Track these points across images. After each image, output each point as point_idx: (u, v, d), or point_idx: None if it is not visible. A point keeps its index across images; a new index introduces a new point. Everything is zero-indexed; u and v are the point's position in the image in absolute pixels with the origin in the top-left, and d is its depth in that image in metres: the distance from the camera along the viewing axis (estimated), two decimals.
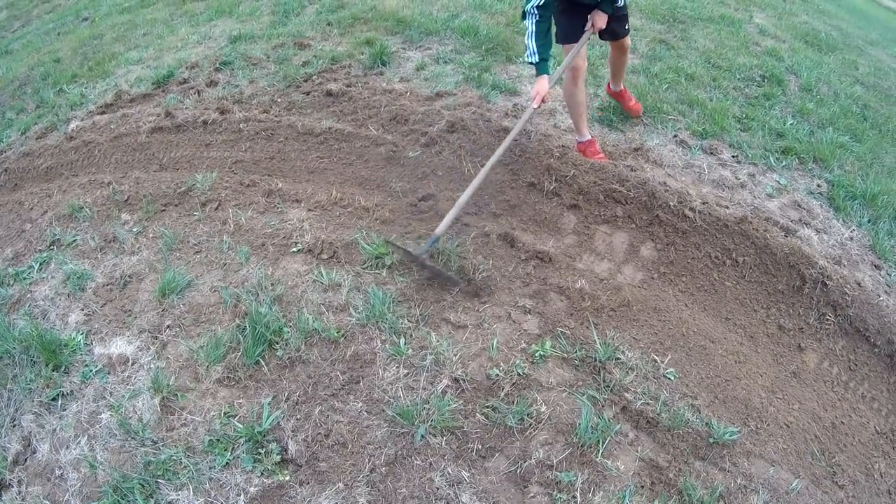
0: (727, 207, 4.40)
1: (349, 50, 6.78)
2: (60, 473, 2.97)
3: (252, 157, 5.19)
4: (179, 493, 2.77)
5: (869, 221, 4.70)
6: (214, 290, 3.74)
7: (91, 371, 3.37)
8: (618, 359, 3.37)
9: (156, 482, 2.81)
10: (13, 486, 3.00)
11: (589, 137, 4.87)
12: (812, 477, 3.13)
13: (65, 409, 3.22)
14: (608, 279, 3.97)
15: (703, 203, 4.30)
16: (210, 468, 2.84)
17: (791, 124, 5.74)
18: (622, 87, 5.37)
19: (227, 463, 2.85)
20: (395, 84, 6.06)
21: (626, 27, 4.65)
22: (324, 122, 5.42)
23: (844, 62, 7.83)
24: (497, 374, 3.19)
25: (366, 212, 4.39)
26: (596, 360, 3.34)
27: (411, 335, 3.40)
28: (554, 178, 4.51)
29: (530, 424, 2.99)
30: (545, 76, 4.14)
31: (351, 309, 3.54)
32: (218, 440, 2.93)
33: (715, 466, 3.01)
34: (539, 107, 4.17)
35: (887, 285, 4.17)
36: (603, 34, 4.51)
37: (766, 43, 7.68)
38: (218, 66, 6.84)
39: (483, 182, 3.98)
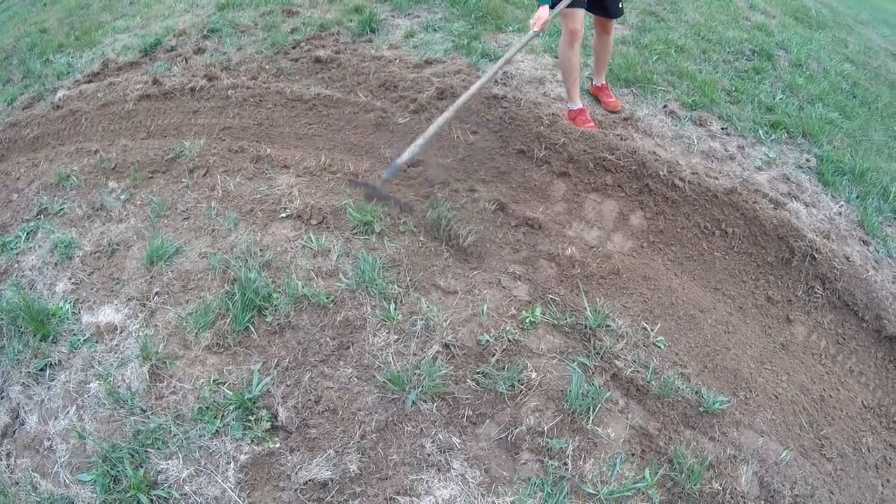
0: (717, 178, 4.40)
1: (338, 17, 6.73)
2: (49, 445, 2.95)
3: (240, 123, 5.14)
4: (169, 462, 2.76)
5: (857, 197, 4.72)
6: (203, 257, 3.70)
7: (79, 340, 3.35)
8: (608, 326, 3.37)
9: (145, 451, 2.79)
10: (1, 460, 2.98)
11: (580, 105, 4.85)
12: (801, 449, 3.15)
13: (53, 380, 3.20)
14: (598, 247, 3.97)
15: (693, 173, 4.29)
16: (200, 436, 2.82)
17: (780, 99, 5.75)
18: (603, 81, 5.30)
19: (216, 431, 2.84)
20: (383, 51, 6.02)
21: (620, 6, 4.60)
22: (312, 89, 5.37)
23: (834, 40, 7.83)
24: (488, 340, 3.18)
25: (355, 177, 4.34)
26: (586, 327, 3.34)
27: (401, 301, 3.38)
28: (544, 146, 4.49)
29: (521, 391, 2.99)
30: (546, 6, 4.11)
31: (340, 274, 3.51)
32: (207, 408, 2.91)
33: (704, 435, 3.02)
34: (539, 31, 4.14)
35: (875, 261, 4.19)
36: (594, 8, 4.47)
37: (756, 18, 7.67)
38: (205, 33, 6.78)
39: (457, 112, 3.91)
